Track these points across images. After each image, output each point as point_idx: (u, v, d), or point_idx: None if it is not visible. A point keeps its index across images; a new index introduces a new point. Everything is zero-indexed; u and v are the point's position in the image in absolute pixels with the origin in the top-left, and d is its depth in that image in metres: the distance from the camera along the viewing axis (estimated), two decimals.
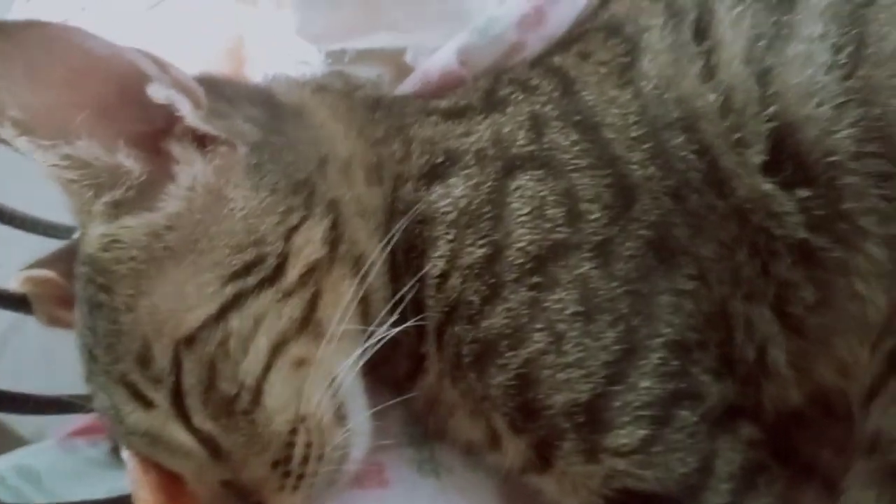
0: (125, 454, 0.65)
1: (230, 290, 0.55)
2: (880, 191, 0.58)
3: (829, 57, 0.59)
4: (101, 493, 0.76)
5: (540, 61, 0.71)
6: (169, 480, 0.64)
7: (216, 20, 0.76)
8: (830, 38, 0.59)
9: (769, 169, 0.61)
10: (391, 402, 0.64)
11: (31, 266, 0.70)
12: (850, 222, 0.60)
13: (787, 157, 0.60)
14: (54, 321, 0.69)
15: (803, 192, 0.60)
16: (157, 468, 0.63)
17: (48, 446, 1.00)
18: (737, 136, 0.61)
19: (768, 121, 0.60)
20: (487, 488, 0.70)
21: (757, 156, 0.61)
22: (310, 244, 0.58)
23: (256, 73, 0.74)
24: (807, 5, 0.61)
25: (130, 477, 0.64)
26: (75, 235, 0.74)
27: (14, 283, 0.68)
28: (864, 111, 0.58)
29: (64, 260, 0.69)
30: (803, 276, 0.61)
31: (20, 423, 1.34)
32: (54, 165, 0.55)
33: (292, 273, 0.57)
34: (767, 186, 0.61)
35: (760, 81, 0.61)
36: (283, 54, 0.71)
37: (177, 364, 0.54)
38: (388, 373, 0.67)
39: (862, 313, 0.62)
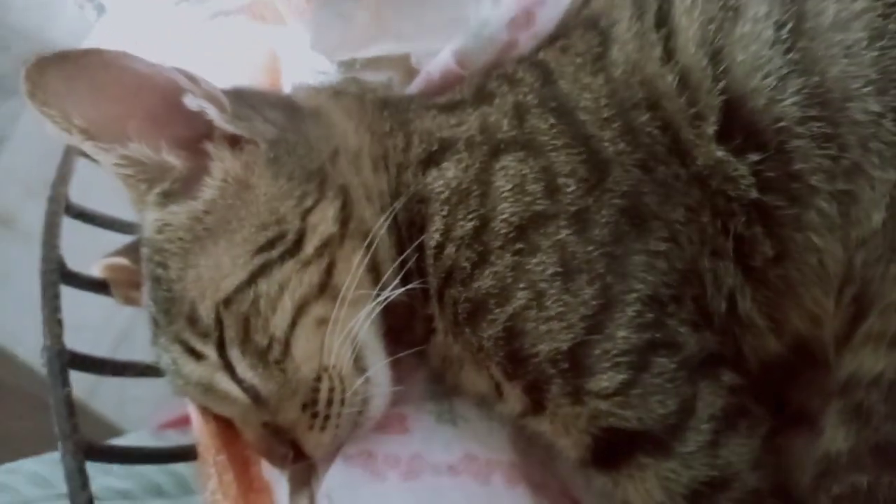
0: (190, 408, 0.78)
1: (258, 260, 0.66)
2: (824, 151, 0.64)
3: (773, 33, 0.65)
4: None
5: (528, 57, 0.80)
6: (225, 428, 0.76)
7: (254, 40, 0.89)
8: (773, 17, 0.66)
9: (722, 138, 0.67)
10: (406, 353, 0.74)
11: (108, 255, 0.84)
12: (801, 181, 0.66)
13: (738, 126, 0.67)
14: (129, 301, 0.82)
15: (754, 157, 0.66)
16: (215, 418, 0.75)
17: (141, 437, 1.13)
18: (693, 110, 0.68)
19: (720, 94, 0.67)
20: (498, 434, 0.78)
21: (711, 127, 0.68)
22: (323, 222, 0.69)
23: (288, 84, 0.87)
24: None
25: (194, 426, 0.77)
26: None
27: (95, 270, 0.82)
28: (805, 80, 0.64)
29: (134, 250, 0.83)
30: (761, 232, 0.68)
31: (120, 417, 1.52)
32: (114, 164, 0.68)
33: (309, 246, 0.68)
34: (721, 153, 0.67)
35: (712, 60, 0.68)
36: (305, 66, 0.83)
37: (219, 321, 0.66)
38: (408, 337, 0.77)
39: (821, 265, 0.67)
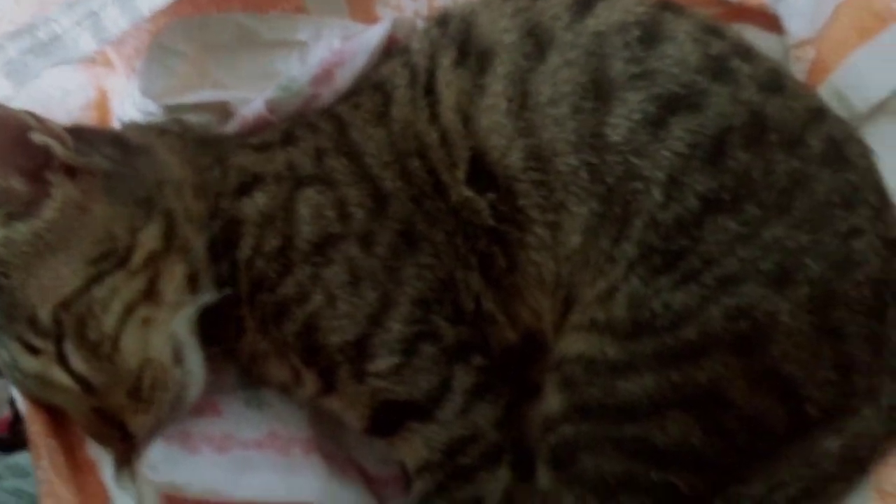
0: (19, 401, 0.87)
1: (93, 270, 0.79)
2: (539, 192, 0.83)
3: (506, 106, 0.84)
4: None
5: (327, 109, 0.96)
6: (52, 418, 0.86)
7: (86, 80, 1.01)
8: (507, 94, 0.84)
9: (469, 181, 0.87)
10: (220, 350, 0.88)
11: None
12: (524, 214, 0.84)
13: (480, 173, 0.86)
14: None
15: (491, 196, 0.85)
16: (44, 409, 0.85)
17: None
18: (450, 160, 0.87)
19: (469, 149, 0.87)
20: (297, 415, 0.94)
21: (462, 173, 0.87)
22: (149, 240, 0.82)
23: (117, 119, 0.99)
24: (494, 72, 0.86)
25: (26, 417, 0.86)
26: None
27: None
28: (526, 141, 0.83)
29: None
30: (497, 250, 0.86)
31: None
32: None
33: (137, 259, 0.81)
34: (468, 193, 0.87)
35: (464, 123, 0.87)
36: (134, 107, 0.96)
37: (57, 322, 0.77)
38: (222, 335, 0.89)
39: (540, 275, 0.86)
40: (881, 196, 0.85)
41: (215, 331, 0.89)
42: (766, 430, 0.78)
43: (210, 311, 0.86)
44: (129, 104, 0.96)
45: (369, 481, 0.98)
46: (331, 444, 0.96)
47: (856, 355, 0.79)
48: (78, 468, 0.85)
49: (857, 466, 0.80)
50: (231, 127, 0.97)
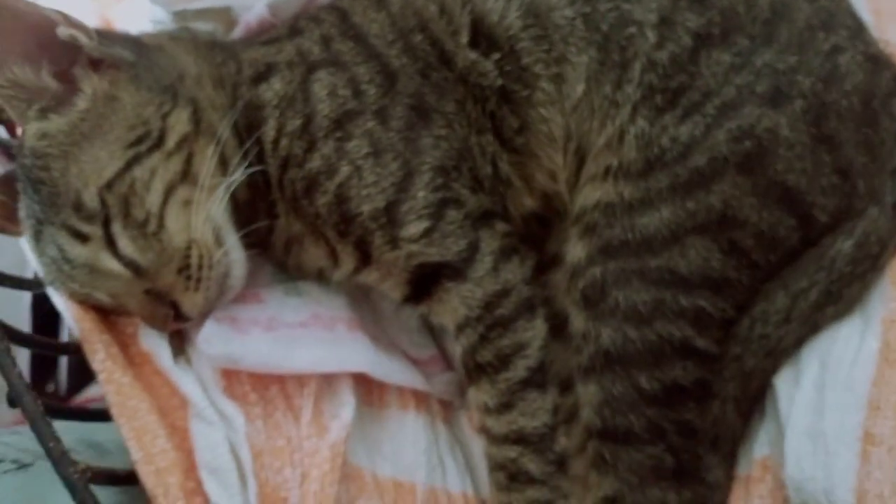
0: (64, 308, 0.89)
1: (130, 152, 0.82)
2: (540, 48, 0.88)
3: None
4: None
5: (328, 4, 1.01)
6: (102, 317, 0.89)
7: (91, 11, 1.04)
8: None
9: (473, 45, 0.91)
10: (256, 237, 0.91)
11: None
12: (528, 71, 0.89)
13: (482, 35, 0.91)
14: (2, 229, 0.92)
15: (496, 56, 0.90)
16: (93, 308, 0.88)
17: None
18: (451, 28, 0.92)
19: (468, 14, 0.91)
20: (336, 298, 0.98)
21: (464, 38, 0.92)
22: (179, 123, 0.86)
23: None
24: None
25: (74, 319, 0.87)
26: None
27: None
28: (521, 0, 0.89)
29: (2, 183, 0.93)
30: (507, 110, 0.91)
31: None
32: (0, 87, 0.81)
33: (170, 141, 0.85)
34: (473, 56, 0.91)
35: None
36: (143, 18, 1.00)
37: (103, 202, 0.81)
38: (254, 223, 0.92)
39: (550, 131, 0.90)
40: (855, 20, 0.92)
41: (251, 219, 0.92)
42: (780, 243, 0.83)
43: (244, 199, 0.90)
44: (137, 20, 0.99)
45: (410, 362, 1.02)
46: (373, 327, 1.00)
47: (854, 159, 0.84)
48: (132, 363, 0.88)
49: (870, 264, 0.84)
50: (237, 33, 1.01)
